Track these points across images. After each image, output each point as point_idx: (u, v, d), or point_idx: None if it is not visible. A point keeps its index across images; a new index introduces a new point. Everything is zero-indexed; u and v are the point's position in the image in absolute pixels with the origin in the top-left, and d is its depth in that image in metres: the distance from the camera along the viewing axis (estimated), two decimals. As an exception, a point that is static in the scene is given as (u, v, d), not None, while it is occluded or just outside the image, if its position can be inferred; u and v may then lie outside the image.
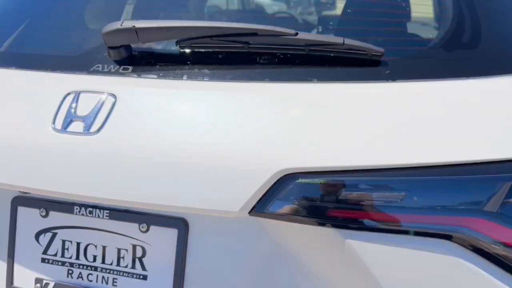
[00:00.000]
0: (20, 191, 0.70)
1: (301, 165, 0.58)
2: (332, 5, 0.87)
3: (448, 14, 0.77)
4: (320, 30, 0.89)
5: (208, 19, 0.89)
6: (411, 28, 0.80)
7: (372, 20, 0.79)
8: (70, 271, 0.70)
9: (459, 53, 0.72)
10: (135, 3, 0.97)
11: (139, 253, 0.67)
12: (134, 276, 0.67)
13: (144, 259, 0.67)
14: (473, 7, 0.75)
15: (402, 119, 0.61)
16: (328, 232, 0.59)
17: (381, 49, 0.66)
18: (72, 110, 0.66)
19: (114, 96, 0.66)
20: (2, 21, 0.94)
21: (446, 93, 0.64)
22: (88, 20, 0.88)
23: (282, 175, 0.58)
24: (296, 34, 0.66)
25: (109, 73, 0.71)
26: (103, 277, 0.68)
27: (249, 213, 0.59)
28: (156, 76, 0.69)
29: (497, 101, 0.64)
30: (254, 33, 0.67)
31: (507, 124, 0.60)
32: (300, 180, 0.58)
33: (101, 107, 0.66)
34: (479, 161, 0.56)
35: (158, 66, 0.70)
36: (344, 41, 0.66)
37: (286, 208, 0.59)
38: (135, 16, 0.92)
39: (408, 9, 0.83)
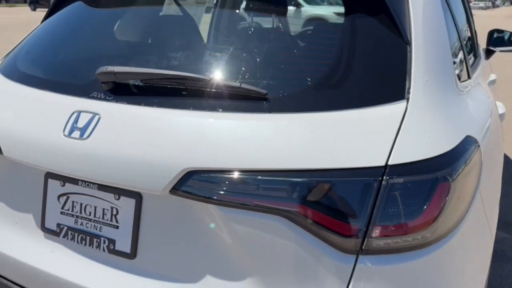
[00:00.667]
0: (48, 170, 1.14)
1: (199, 165, 0.95)
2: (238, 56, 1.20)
3: (320, 63, 1.09)
4: (227, 74, 1.21)
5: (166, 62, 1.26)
6: (291, 72, 1.12)
7: (263, 67, 1.12)
8: (76, 221, 1.13)
9: (324, 92, 1.04)
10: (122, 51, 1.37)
11: (114, 212, 1.08)
12: (111, 226, 1.09)
13: (117, 216, 1.08)
14: (341, 54, 1.06)
15: (265, 138, 0.96)
16: (214, 208, 0.96)
17: (265, 91, 1.00)
18: (75, 123, 1.08)
19: (99, 114, 1.07)
20: (37, 54, 1.38)
21: (300, 122, 0.98)
22: (93, 61, 1.28)
23: (187, 171, 0.96)
24: (210, 79, 1.03)
25: (99, 99, 1.12)
26: (94, 225, 1.11)
27: (169, 192, 0.98)
28: (126, 103, 1.09)
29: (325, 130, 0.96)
30: (178, 78, 1.05)
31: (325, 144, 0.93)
32: (198, 174, 0.95)
33: (91, 121, 1.07)
34: (302, 169, 0.91)
35: (127, 95, 1.10)
36: (240, 85, 1.01)
37: (191, 190, 0.97)
38: (120, 59, 1.32)
39: (290, 58, 1.16)
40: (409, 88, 1.02)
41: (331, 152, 0.93)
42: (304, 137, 0.95)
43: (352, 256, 0.90)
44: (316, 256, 0.91)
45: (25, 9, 28.60)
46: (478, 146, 1.09)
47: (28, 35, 1.52)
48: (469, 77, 1.55)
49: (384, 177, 0.89)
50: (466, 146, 1.03)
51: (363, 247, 0.90)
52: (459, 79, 1.35)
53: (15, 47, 1.50)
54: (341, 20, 1.32)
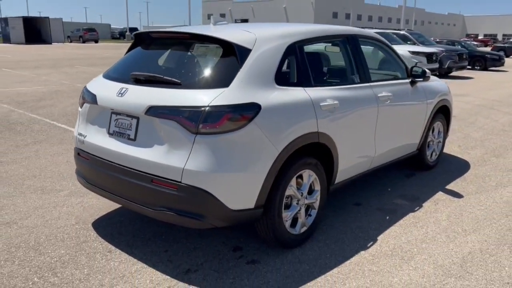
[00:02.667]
0: (111, 109, 3.08)
1: (153, 104, 2.81)
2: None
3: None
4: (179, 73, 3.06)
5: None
6: (189, 74, 2.94)
7: (183, 72, 2.96)
8: (119, 129, 3.05)
9: (195, 82, 2.85)
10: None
11: (130, 124, 2.97)
12: (129, 129, 2.97)
13: (131, 126, 2.97)
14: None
15: (169, 94, 2.79)
16: (158, 120, 2.81)
17: (178, 81, 2.84)
18: (121, 91, 3.04)
19: (127, 88, 3.01)
20: (114, 68, 3.38)
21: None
22: (135, 70, 3.24)
23: (149, 106, 2.81)
24: (163, 75, 2.90)
25: (129, 83, 3.08)
26: (124, 130, 3.01)
27: (145, 114, 2.84)
28: (137, 84, 3.02)
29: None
30: (153, 77, 2.95)
31: None
32: (154, 107, 2.80)
33: (126, 91, 3.01)
34: (176, 105, 2.72)
35: (138, 83, 3.03)
36: (180, 82, 2.86)
37: (151, 113, 2.81)
38: (144, 70, 3.26)
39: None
40: (230, 81, 2.77)
41: (189, 98, 2.71)
42: (179, 94, 2.76)
43: (194, 134, 2.67)
44: (179, 134, 2.69)
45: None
46: (259, 108, 2.78)
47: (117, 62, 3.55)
48: (306, 86, 3.19)
49: (205, 109, 2.66)
50: (249, 106, 2.74)
51: (197, 132, 2.66)
52: (291, 85, 3.04)
53: (110, 67, 3.53)
54: (211, 52, 3.07)
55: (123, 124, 3.01)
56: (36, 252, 3.14)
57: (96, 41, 51.66)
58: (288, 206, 3.15)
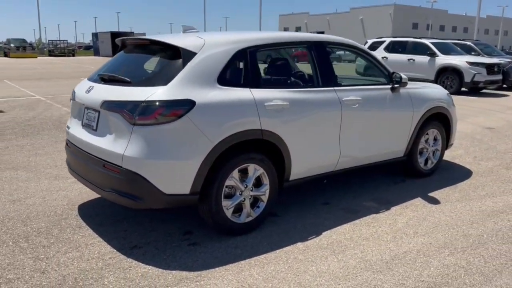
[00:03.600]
0: (84, 104, 3.61)
1: (106, 99, 3.28)
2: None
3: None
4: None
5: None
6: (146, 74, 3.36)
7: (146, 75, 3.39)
8: (87, 121, 3.56)
9: (149, 81, 3.27)
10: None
11: (94, 117, 3.48)
12: (93, 122, 3.48)
13: (94, 118, 3.47)
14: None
15: (127, 92, 3.24)
16: (112, 113, 3.27)
17: (129, 79, 3.28)
18: (90, 88, 3.56)
19: (94, 86, 3.52)
20: (97, 71, 3.90)
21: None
22: (104, 71, 3.75)
23: (103, 100, 3.28)
24: (128, 79, 3.37)
25: (97, 82, 3.58)
26: (90, 122, 3.51)
27: (100, 108, 3.31)
28: (103, 83, 3.51)
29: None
30: (113, 77, 3.43)
31: None
32: (107, 101, 3.27)
33: (92, 88, 3.52)
34: (132, 100, 3.17)
35: (105, 82, 3.52)
36: (131, 81, 3.31)
37: (104, 107, 3.28)
38: (118, 71, 3.77)
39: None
40: (170, 80, 3.16)
41: (133, 94, 3.14)
42: (127, 91, 3.20)
43: (132, 125, 3.09)
44: (122, 125, 3.12)
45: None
46: (194, 105, 3.13)
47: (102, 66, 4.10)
48: (254, 87, 3.48)
49: (142, 103, 3.07)
50: (182, 102, 3.10)
51: (135, 123, 3.07)
52: (236, 85, 3.37)
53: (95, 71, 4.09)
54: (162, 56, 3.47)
55: (90, 117, 3.51)
56: (22, 223, 3.73)
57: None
58: (230, 196, 3.45)
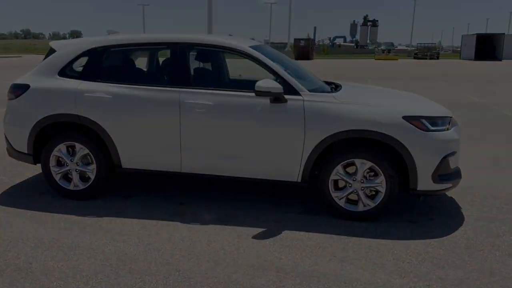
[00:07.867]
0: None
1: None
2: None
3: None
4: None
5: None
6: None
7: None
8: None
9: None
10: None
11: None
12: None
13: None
14: None
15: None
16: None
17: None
18: None
19: None
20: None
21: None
22: None
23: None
24: None
25: None
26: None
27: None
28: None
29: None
30: None
31: None
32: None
33: None
34: None
35: None
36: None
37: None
38: None
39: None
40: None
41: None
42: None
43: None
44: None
45: None
46: (28, 88, 4.23)
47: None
48: (85, 80, 4.19)
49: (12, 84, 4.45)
50: (22, 86, 4.28)
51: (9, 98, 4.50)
52: (71, 77, 4.26)
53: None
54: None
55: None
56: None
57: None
58: (61, 164, 4.35)
